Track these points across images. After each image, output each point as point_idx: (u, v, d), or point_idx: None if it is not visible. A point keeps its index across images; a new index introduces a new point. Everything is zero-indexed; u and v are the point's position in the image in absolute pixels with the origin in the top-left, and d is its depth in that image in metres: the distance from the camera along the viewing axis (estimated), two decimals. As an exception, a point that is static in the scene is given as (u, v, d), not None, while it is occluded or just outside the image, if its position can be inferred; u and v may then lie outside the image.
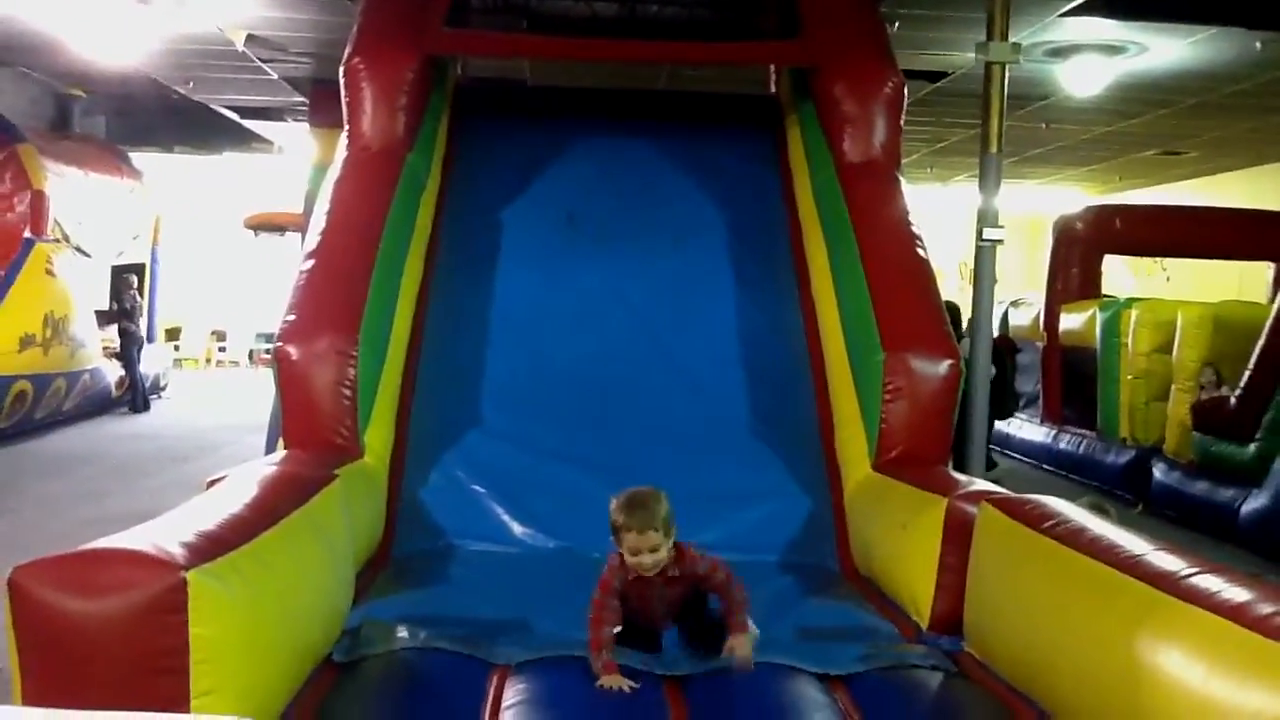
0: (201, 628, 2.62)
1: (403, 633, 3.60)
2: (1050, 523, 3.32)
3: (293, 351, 4.75)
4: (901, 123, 6.12)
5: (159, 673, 2.60)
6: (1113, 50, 9.39)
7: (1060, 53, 9.42)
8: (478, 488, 5.02)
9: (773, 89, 7.63)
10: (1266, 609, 2.44)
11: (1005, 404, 10.60)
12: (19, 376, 10.87)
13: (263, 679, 2.92)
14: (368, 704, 3.18)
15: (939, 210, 17.85)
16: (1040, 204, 18.59)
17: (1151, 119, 12.24)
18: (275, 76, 11.01)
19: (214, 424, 12.91)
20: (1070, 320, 11.43)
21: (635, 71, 8.08)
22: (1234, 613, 2.48)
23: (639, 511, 3.38)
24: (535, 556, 4.77)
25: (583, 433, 5.29)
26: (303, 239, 5.87)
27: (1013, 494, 3.92)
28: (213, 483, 3.89)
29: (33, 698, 2.56)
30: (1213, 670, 2.47)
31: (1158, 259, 16.06)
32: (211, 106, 13.07)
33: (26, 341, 10.99)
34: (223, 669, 2.72)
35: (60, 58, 10.81)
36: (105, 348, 13.32)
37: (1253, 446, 8.30)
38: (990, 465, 10.17)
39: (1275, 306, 8.67)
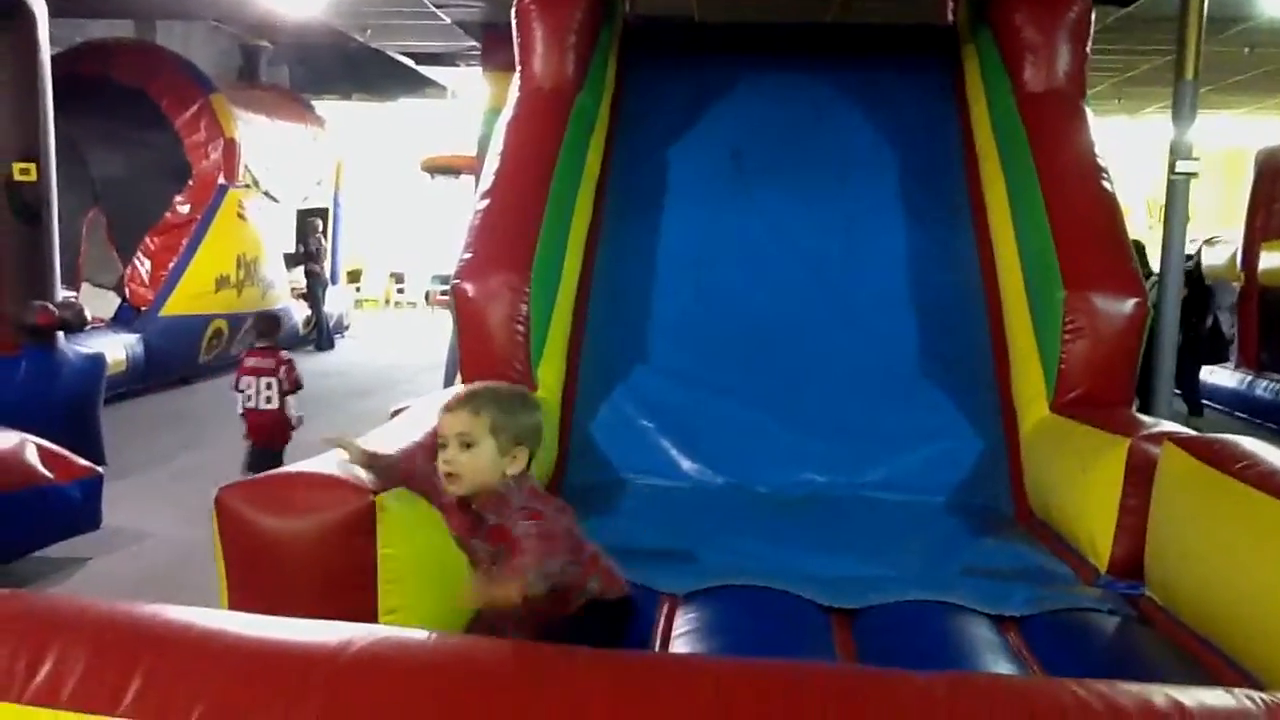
0: (389, 548, 2.77)
1: (575, 561, 3.70)
2: (1241, 464, 3.16)
3: (469, 289, 4.90)
4: (1087, 50, 5.83)
5: (350, 589, 2.76)
6: (1326, -35, 8.69)
7: (1266, -31, 8.78)
8: (646, 423, 5.10)
9: (950, 18, 7.37)
10: None
11: (1217, 347, 10.07)
12: (216, 315, 11.54)
13: (444, 599, 3.05)
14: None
15: (1126, 144, 16.98)
16: (1239, 136, 17.45)
17: (1368, 40, 11.30)
18: (448, 21, 11.23)
19: (393, 361, 13.45)
20: (1271, 259, 10.75)
21: (807, 3, 7.91)
22: None
23: (463, 393, 2.54)
24: (703, 491, 4.83)
25: (750, 369, 5.30)
26: (476, 182, 6.01)
27: (1199, 434, 3.75)
28: (396, 413, 4.07)
29: (238, 608, 2.75)
30: None
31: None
32: (388, 53, 13.44)
33: (221, 282, 11.63)
34: (407, 588, 2.86)
35: (247, 10, 11.28)
36: (293, 289, 13.97)
37: None
38: (1196, 411, 9.72)
39: None
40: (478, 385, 2.60)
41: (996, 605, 3.46)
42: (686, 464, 5.00)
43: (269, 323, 6.75)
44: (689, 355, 5.38)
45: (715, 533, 4.21)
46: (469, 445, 2.44)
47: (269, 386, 6.27)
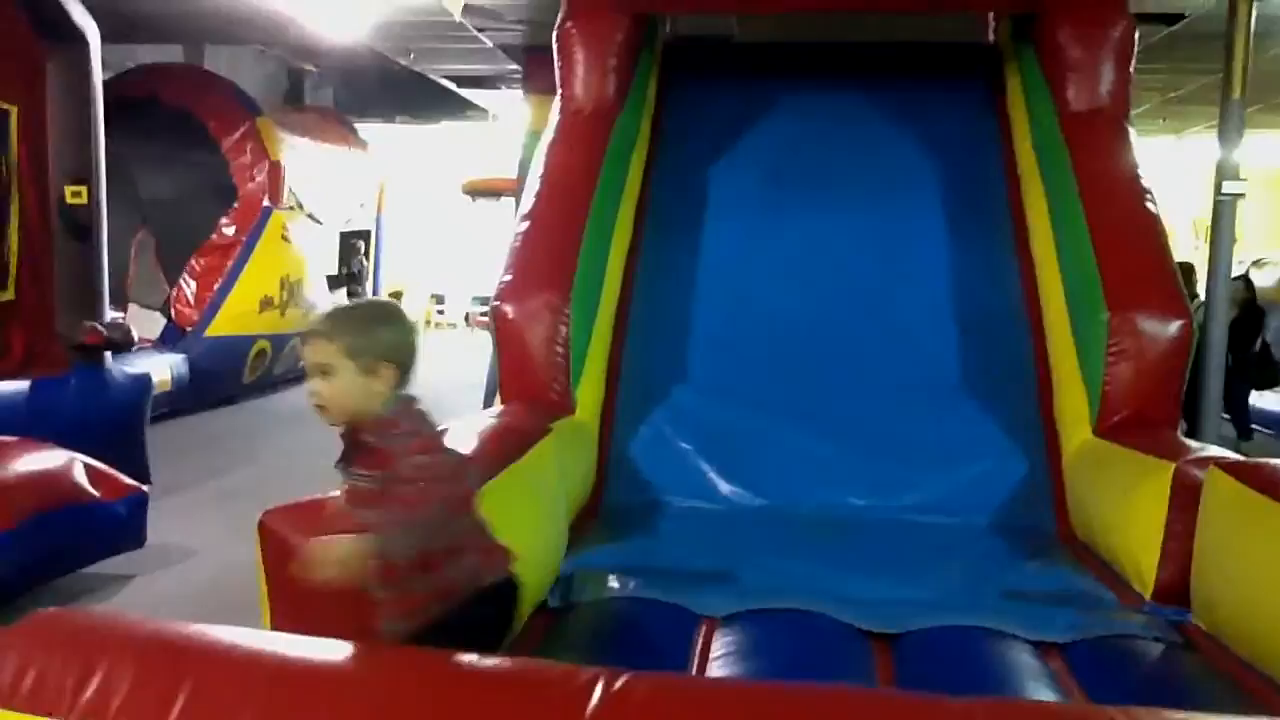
0: (427, 569, 2.77)
1: (614, 582, 3.72)
2: (1290, 489, 3.12)
3: (509, 310, 4.93)
4: (1131, 70, 5.79)
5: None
6: (1378, -21, 8.54)
7: (1318, -17, 8.64)
8: (685, 444, 5.10)
9: (991, 37, 7.35)
10: None
11: (1266, 371, 9.97)
12: (259, 336, 11.67)
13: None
14: (581, 649, 3.29)
15: (1172, 164, 16.78)
16: (1287, 155, 17.20)
17: None
18: (490, 45, 11.32)
19: (433, 382, 13.47)
20: (1320, 279, 10.60)
21: (847, 23, 7.90)
22: None
23: (319, 318, 2.45)
24: (742, 512, 4.82)
25: (791, 389, 5.28)
26: (517, 204, 6.07)
27: (1245, 458, 3.70)
28: (436, 434, 4.09)
29: (281, 628, 2.78)
30: None
31: None
32: (430, 76, 13.57)
33: (265, 303, 11.76)
34: (448, 607, 2.87)
35: (293, 35, 11.44)
36: (335, 309, 14.10)
37: None
38: (1245, 435, 9.58)
39: None
40: (336, 308, 2.50)
41: (1039, 630, 3.43)
42: (725, 486, 4.99)
43: None
44: (729, 375, 5.38)
45: (754, 554, 4.19)
46: (327, 373, 2.34)
47: None
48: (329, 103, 16.03)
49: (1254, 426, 10.60)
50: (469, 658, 1.98)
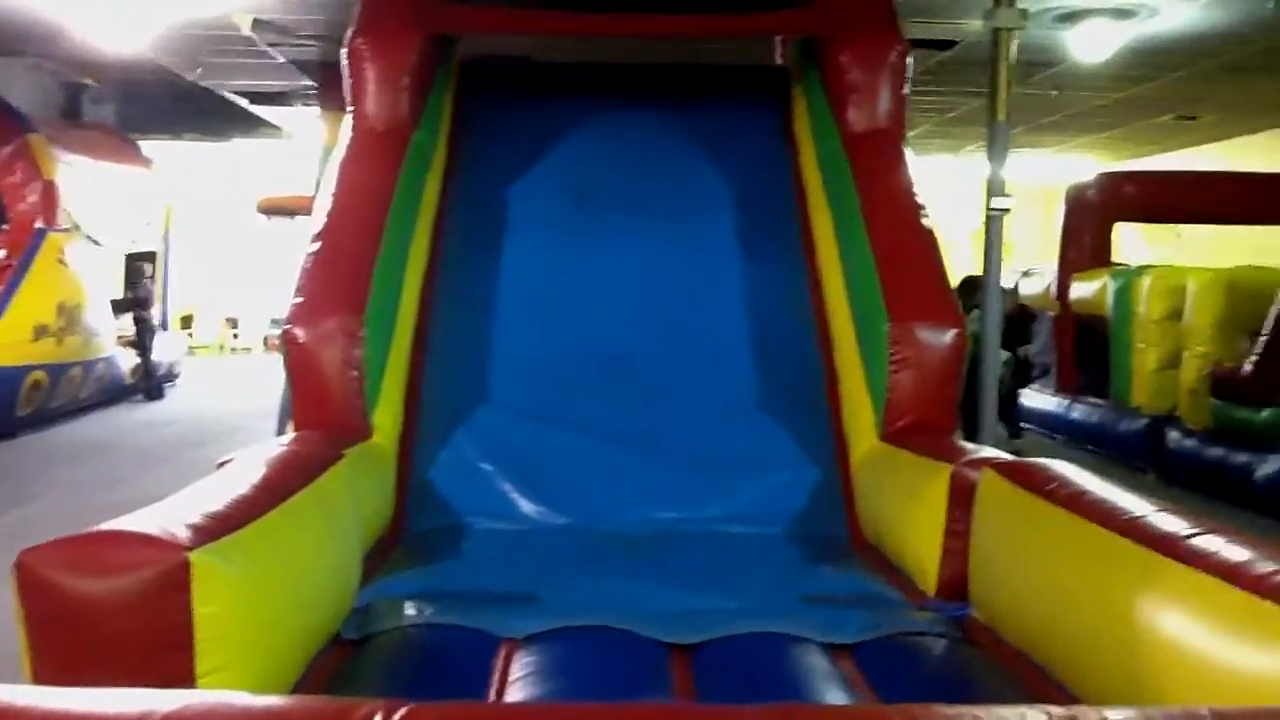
0: (206, 606, 2.64)
1: (411, 609, 3.64)
2: (1051, 486, 3.33)
3: (300, 334, 4.78)
4: (906, 92, 6.09)
5: (165, 651, 2.62)
6: (1123, 14, 9.29)
7: (1070, 18, 9.33)
8: (487, 465, 5.04)
9: (779, 60, 7.60)
10: (1264, 569, 2.43)
11: (1025, 373, 10.72)
12: (34, 366, 10.96)
13: (271, 656, 2.95)
14: (377, 680, 3.21)
15: (950, 181, 17.75)
16: (1053, 173, 18.44)
17: (1165, 83, 12.12)
18: (283, 61, 11.00)
19: (228, 410, 12.99)
20: (1082, 289, 11.39)
21: (644, 45, 8.02)
22: (1231, 574, 2.48)
23: None
24: (544, 532, 4.80)
25: (594, 407, 5.30)
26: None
27: (1016, 459, 3.92)
28: (222, 464, 3.92)
29: (44, 678, 2.59)
30: (1213, 633, 2.47)
31: (1171, 225, 15.92)
32: (220, 92, 13.09)
33: (40, 331, 11.07)
34: (229, 646, 2.74)
35: (69, 46, 10.84)
36: (120, 336, 13.40)
37: (1266, 412, 8.27)
38: (1016, 434, 10.24)
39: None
40: None
41: (830, 633, 3.53)
42: (529, 506, 4.95)
43: None
44: (532, 394, 5.35)
45: (557, 573, 4.18)
46: None
47: None
48: (109, 119, 15.23)
49: (1028, 425, 11.32)
50: (246, 699, 1.89)
